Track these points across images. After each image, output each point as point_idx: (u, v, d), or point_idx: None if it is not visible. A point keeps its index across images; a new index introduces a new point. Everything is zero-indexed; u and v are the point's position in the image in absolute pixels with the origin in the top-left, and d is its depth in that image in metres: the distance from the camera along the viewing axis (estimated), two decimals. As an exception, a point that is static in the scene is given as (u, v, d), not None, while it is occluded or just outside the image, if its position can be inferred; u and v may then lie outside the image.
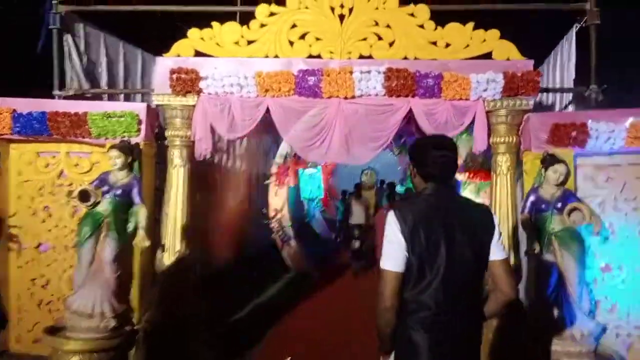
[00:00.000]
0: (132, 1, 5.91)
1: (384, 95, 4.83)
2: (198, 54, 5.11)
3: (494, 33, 4.93)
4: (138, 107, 5.00)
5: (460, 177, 9.01)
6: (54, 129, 4.87)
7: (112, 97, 6.03)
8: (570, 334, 4.17)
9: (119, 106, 5.07)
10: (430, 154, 2.45)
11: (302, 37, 5.07)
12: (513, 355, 4.27)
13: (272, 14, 5.09)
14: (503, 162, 4.84)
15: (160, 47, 5.30)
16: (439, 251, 2.33)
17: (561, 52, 6.04)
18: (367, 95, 4.86)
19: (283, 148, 9.34)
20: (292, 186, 10.17)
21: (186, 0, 6.14)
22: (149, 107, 5.07)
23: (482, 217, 2.49)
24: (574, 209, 4.26)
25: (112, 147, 4.59)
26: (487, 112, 4.85)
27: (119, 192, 4.57)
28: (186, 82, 4.87)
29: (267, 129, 5.35)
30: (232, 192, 8.53)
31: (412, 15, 5.01)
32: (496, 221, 2.50)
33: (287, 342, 5.75)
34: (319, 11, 5.06)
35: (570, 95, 5.87)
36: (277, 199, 9.34)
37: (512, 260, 4.35)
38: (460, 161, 8.96)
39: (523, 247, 4.67)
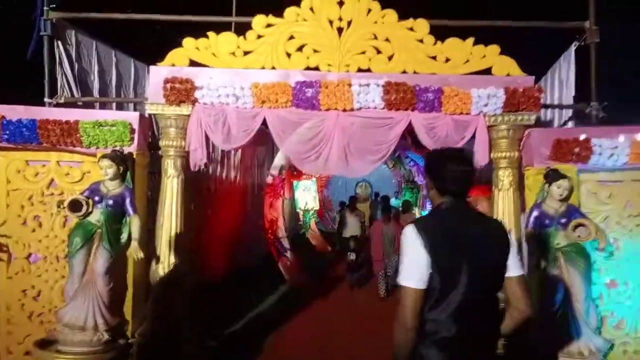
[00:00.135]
0: (125, 10, 5.82)
1: (383, 108, 4.77)
2: (193, 63, 5.03)
3: (494, 49, 4.90)
4: (131, 116, 4.92)
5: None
6: (44, 137, 4.75)
7: (104, 106, 5.92)
8: (577, 351, 4.11)
9: (111, 115, 4.98)
10: (447, 168, 2.38)
11: (300, 49, 5.01)
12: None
13: (269, 25, 5.02)
14: (505, 176, 4.80)
15: (153, 56, 5.23)
16: (461, 268, 2.25)
17: (559, 69, 6.03)
18: (366, 108, 4.80)
19: (278, 160, 9.28)
20: (287, 198, 10.08)
21: (180, 10, 6.07)
22: (141, 116, 4.98)
23: (499, 232, 2.43)
24: (579, 225, 4.20)
25: (103, 156, 4.47)
26: (488, 127, 4.80)
27: (110, 202, 4.46)
28: (181, 92, 4.78)
29: (262, 140, 5.25)
30: (227, 203, 8.44)
31: (411, 29, 4.97)
32: (512, 237, 2.43)
33: (284, 356, 5.63)
34: (317, 24, 5.00)
35: (569, 112, 5.83)
36: (273, 211, 9.23)
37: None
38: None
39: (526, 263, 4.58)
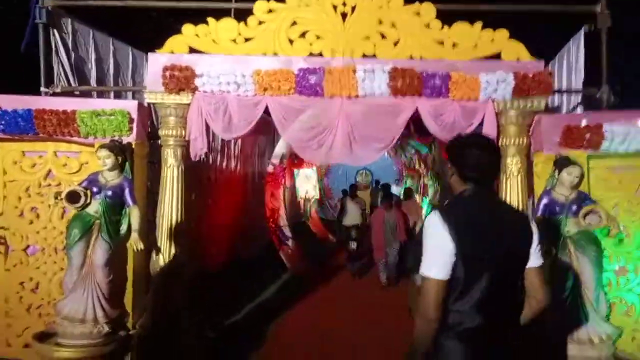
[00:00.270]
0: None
1: (389, 95, 4.65)
2: (192, 51, 4.91)
3: (503, 33, 4.77)
4: (129, 105, 4.81)
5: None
6: (41, 128, 4.65)
7: (102, 95, 5.80)
8: (587, 338, 4.06)
9: (109, 104, 4.87)
10: (472, 154, 2.30)
11: (303, 35, 4.88)
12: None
13: (270, 11, 4.87)
14: (513, 164, 4.69)
15: (150, 44, 5.10)
16: (486, 257, 2.19)
17: (568, 53, 5.89)
18: (372, 95, 4.67)
19: (279, 148, 9.18)
20: (288, 186, 10.00)
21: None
22: (140, 105, 4.88)
23: (522, 222, 2.39)
24: (590, 212, 4.12)
25: (102, 146, 4.40)
26: (497, 113, 4.69)
27: (109, 193, 4.39)
28: (180, 80, 4.66)
29: (263, 129, 5.14)
30: (227, 192, 8.36)
31: (417, 14, 4.82)
32: (534, 227, 2.36)
33: (285, 345, 5.59)
34: (320, 9, 4.86)
35: (578, 98, 5.71)
36: (274, 200, 9.15)
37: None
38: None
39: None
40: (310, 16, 4.86)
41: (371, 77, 4.57)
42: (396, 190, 14.64)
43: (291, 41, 4.85)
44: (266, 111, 4.83)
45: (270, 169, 9.20)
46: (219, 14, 5.02)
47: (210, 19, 4.89)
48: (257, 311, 6.80)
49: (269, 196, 9.16)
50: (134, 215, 4.42)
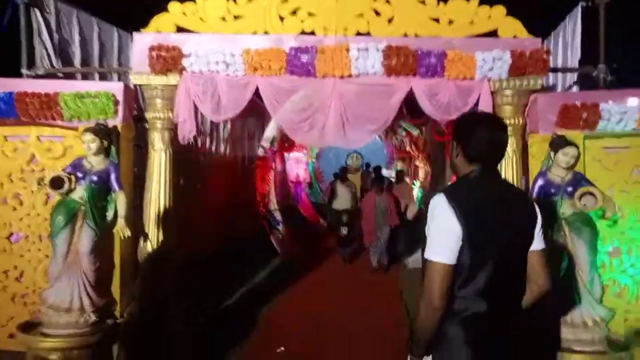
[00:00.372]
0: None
1: (383, 74, 4.54)
2: (179, 30, 4.75)
3: (500, 9, 4.67)
4: (114, 87, 4.69)
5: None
6: (22, 111, 4.53)
7: (86, 78, 5.63)
8: (581, 321, 4.02)
9: (93, 86, 4.74)
10: (480, 133, 2.18)
11: (294, 12, 4.74)
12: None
13: (261, -13, 4.72)
14: (508, 144, 4.54)
15: (137, 24, 4.93)
16: (492, 241, 2.09)
17: (564, 31, 5.78)
18: (365, 74, 4.55)
19: (269, 131, 9.04)
20: (278, 170, 9.88)
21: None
22: (126, 86, 4.75)
23: (527, 204, 2.30)
24: (586, 193, 4.04)
25: (86, 130, 4.23)
26: (492, 93, 4.60)
27: (95, 178, 4.23)
28: (167, 60, 4.52)
29: (253, 112, 5.01)
30: (217, 177, 8.24)
31: (412, -11, 4.68)
32: (537, 209, 2.27)
33: (277, 331, 5.54)
34: (313, -15, 4.70)
35: (574, 76, 5.63)
36: (264, 184, 9.03)
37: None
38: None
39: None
40: (301, -8, 4.71)
41: (365, 56, 4.44)
42: (387, 173, 14.58)
43: (282, 19, 4.71)
44: (257, 94, 4.69)
45: (260, 152, 9.05)
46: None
47: (197, -4, 4.72)
48: (248, 296, 6.73)
49: (259, 180, 9.03)
50: (120, 201, 4.27)
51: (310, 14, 4.71)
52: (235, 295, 6.66)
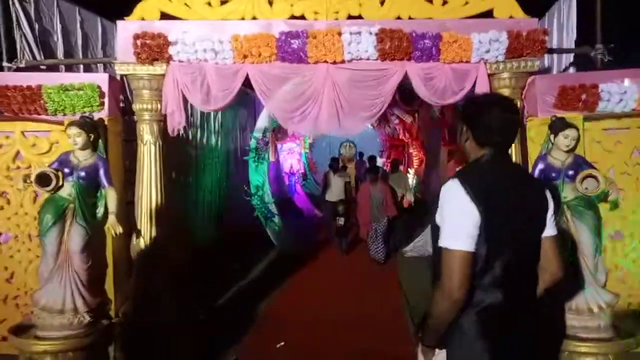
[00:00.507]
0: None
1: (377, 59, 4.41)
2: (165, 17, 4.60)
3: (495, -12, 4.52)
4: (99, 79, 4.53)
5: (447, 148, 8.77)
6: (4, 106, 4.37)
7: (70, 70, 5.45)
8: (586, 307, 3.95)
9: (78, 78, 4.58)
10: (491, 116, 2.08)
11: (283, -5, 4.58)
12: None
13: (247, -29, 4.56)
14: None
15: (121, 14, 4.76)
16: (510, 228, 2.01)
17: (558, 11, 5.67)
18: (358, 59, 4.42)
19: (262, 122, 8.89)
20: (272, 161, 9.74)
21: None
22: (111, 77, 4.60)
23: (538, 188, 2.22)
24: (588, 176, 3.95)
25: (71, 123, 4.11)
26: (489, 76, 4.49)
27: (82, 174, 4.12)
28: (153, 49, 4.36)
29: (243, 102, 4.87)
30: (210, 169, 8.13)
31: (405, -31, 4.54)
32: (549, 194, 2.19)
33: (277, 326, 5.44)
34: (301, -34, 4.55)
35: (570, 58, 5.52)
36: (258, 175, 8.90)
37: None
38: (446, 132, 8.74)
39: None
40: (290, -26, 4.55)
41: (357, 40, 4.30)
42: (380, 162, 14.50)
43: (271, 3, 4.56)
44: (248, 83, 4.55)
45: (252, 143, 8.91)
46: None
47: (182, -19, 4.57)
48: (246, 291, 6.64)
49: (253, 172, 8.89)
50: (110, 197, 4.17)
51: (299, -3, 4.56)
52: (232, 290, 6.56)
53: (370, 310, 5.83)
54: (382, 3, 4.54)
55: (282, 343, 4.88)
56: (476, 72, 4.42)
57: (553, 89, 4.36)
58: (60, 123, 4.38)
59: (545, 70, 5.74)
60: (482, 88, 4.40)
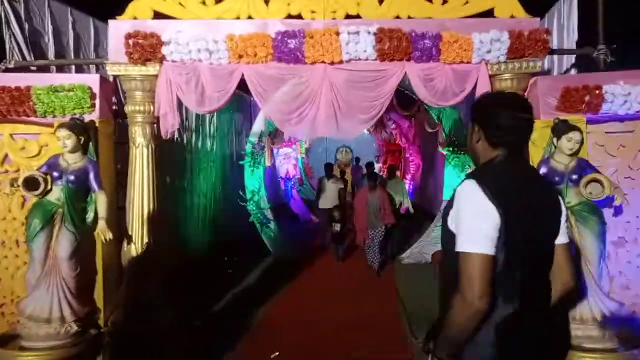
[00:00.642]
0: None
1: (375, 59, 4.31)
2: (158, 16, 4.51)
3: (495, -13, 4.43)
4: (90, 80, 4.42)
5: (444, 151, 8.67)
6: (-8, 107, 4.22)
7: (62, 71, 5.33)
8: (591, 317, 3.84)
9: (68, 79, 4.46)
10: (505, 115, 1.98)
11: (279, -6, 4.49)
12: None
13: (243, -31, 4.47)
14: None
15: (114, 15, 4.66)
16: (527, 233, 1.89)
17: (559, 12, 5.59)
18: (357, 59, 4.33)
19: (258, 126, 8.78)
20: (268, 166, 9.62)
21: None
22: (102, 78, 4.49)
23: (552, 193, 2.13)
24: (592, 181, 3.86)
25: (60, 125, 4.02)
26: (490, 77, 4.40)
27: (72, 177, 4.05)
28: (145, 49, 4.26)
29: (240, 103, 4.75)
30: (205, 174, 8.01)
31: (403, -32, 4.45)
32: (562, 199, 2.11)
33: (273, 334, 5.31)
34: (298, -36, 4.46)
35: (571, 59, 5.44)
36: (254, 180, 8.78)
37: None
38: (442, 136, 8.65)
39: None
40: (287, -27, 4.46)
41: (356, 40, 4.21)
42: (377, 167, 14.41)
43: (267, 2, 4.47)
44: (244, 86, 4.45)
45: (248, 148, 8.79)
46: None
47: (176, -20, 4.47)
48: (240, 298, 6.50)
49: (249, 176, 8.77)
50: (100, 202, 4.08)
51: (296, -4, 4.47)
52: (226, 297, 6.43)
53: (367, 317, 5.72)
54: (380, 2, 4.45)
55: (277, 353, 4.75)
56: (477, 72, 4.33)
57: (556, 91, 4.25)
58: (50, 125, 4.29)
59: (546, 72, 5.65)
60: (483, 89, 4.30)
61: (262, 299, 6.32)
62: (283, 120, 4.58)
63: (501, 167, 1.98)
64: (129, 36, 4.25)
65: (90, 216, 4.13)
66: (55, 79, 4.44)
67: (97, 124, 4.33)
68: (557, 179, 4.00)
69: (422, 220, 9.32)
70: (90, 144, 4.17)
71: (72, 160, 4.06)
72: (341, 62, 4.32)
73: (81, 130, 4.07)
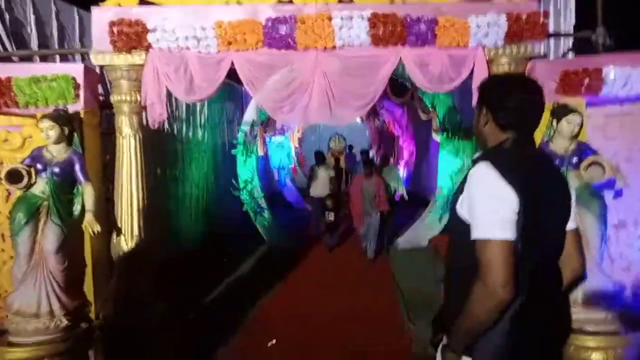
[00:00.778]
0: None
1: (370, 44, 4.18)
2: (143, 2, 4.34)
3: (492, -31, 4.29)
4: (74, 70, 4.28)
5: (438, 137, 8.58)
6: (-27, 99, 4.08)
7: (45, 61, 5.17)
8: (592, 299, 3.81)
9: (51, 69, 4.31)
10: (515, 97, 1.89)
11: (269, -21, 4.33)
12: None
13: (231, -49, 4.30)
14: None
15: (97, 2, 4.50)
16: (542, 217, 1.81)
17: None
18: (350, 45, 4.19)
19: (249, 114, 8.63)
20: (261, 155, 9.47)
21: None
22: (87, 68, 4.35)
23: (562, 177, 2.07)
24: (592, 164, 3.80)
25: (43, 116, 3.90)
26: (487, 62, 4.28)
27: (57, 170, 3.93)
28: (130, 36, 4.11)
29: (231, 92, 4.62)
30: (196, 164, 7.88)
31: (397, -50, 4.29)
32: (571, 184, 2.06)
33: (268, 324, 5.26)
34: (288, -53, 4.29)
35: (568, 43, 5.34)
36: (247, 169, 8.65)
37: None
38: (436, 122, 8.54)
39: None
40: (276, -44, 4.29)
41: (349, 25, 4.07)
42: (371, 154, 14.33)
43: (256, -13, 4.30)
44: (234, 74, 4.32)
45: (240, 137, 8.64)
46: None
47: (161, -37, 4.30)
48: (235, 288, 6.42)
49: (241, 166, 8.63)
50: (87, 194, 3.97)
51: (287, -20, 4.31)
52: (220, 288, 6.35)
53: (364, 305, 5.67)
54: (374, -15, 4.29)
55: (274, 341, 4.71)
56: (474, 57, 4.21)
57: (554, 74, 4.17)
58: (33, 116, 4.16)
59: (542, 57, 5.56)
60: (480, 75, 4.17)
61: (256, 291, 6.23)
62: (275, 108, 4.45)
63: (512, 150, 1.88)
64: (113, 24, 4.09)
65: (77, 209, 4.03)
66: (37, 69, 4.30)
67: (82, 115, 4.20)
68: (557, 161, 3.94)
69: (416, 207, 9.27)
70: (75, 135, 4.04)
71: (57, 152, 3.94)
72: (334, 48, 4.18)
73: (65, 121, 3.95)
